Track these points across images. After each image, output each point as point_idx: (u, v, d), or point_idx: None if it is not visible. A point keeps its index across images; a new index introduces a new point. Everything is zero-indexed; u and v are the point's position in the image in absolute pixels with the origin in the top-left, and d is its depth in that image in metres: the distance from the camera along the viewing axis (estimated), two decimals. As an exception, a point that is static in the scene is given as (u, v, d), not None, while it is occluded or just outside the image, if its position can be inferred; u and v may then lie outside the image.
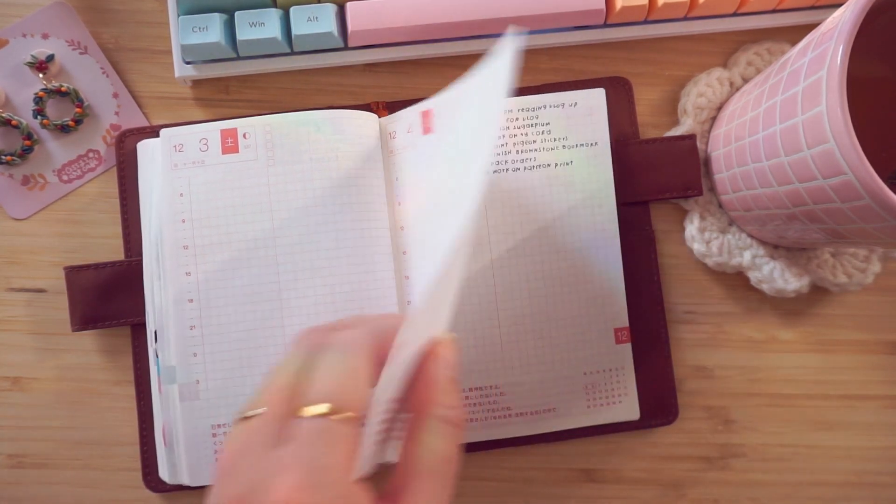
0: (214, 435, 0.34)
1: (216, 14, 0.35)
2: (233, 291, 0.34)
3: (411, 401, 0.25)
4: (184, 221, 0.34)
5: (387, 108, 0.38)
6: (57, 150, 0.38)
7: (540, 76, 0.39)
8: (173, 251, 0.34)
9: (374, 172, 0.36)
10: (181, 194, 0.34)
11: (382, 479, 0.24)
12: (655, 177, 0.38)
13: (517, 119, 0.37)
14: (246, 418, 0.24)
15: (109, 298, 0.36)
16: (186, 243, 0.34)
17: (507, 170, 0.36)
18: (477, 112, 0.30)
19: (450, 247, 0.24)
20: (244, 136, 0.35)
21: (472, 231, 0.26)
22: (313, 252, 0.34)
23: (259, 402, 0.24)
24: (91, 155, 0.38)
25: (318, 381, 0.24)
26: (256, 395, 0.24)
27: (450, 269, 0.25)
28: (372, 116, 0.36)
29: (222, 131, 0.35)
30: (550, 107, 0.37)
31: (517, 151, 0.37)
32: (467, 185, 0.26)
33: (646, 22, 0.38)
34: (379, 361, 0.25)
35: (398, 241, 0.36)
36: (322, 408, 0.23)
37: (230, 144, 0.35)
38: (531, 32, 0.38)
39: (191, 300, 0.34)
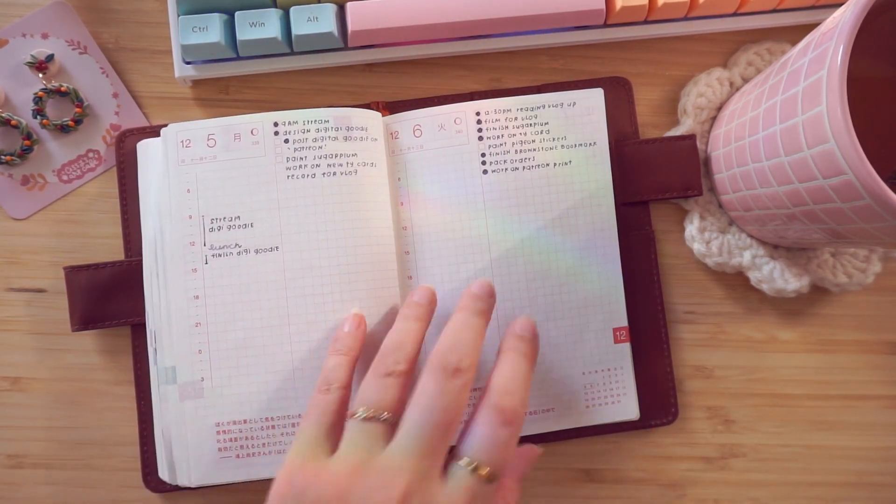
0: (219, 433, 0.34)
1: (216, 14, 0.35)
2: (238, 288, 0.34)
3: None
4: (190, 217, 0.34)
5: (387, 108, 0.38)
6: (57, 150, 0.38)
7: (540, 76, 0.39)
8: (179, 248, 0.34)
9: (378, 172, 0.36)
10: (188, 190, 0.34)
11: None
12: (655, 177, 0.38)
13: (516, 119, 0.37)
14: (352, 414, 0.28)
15: (109, 298, 0.36)
16: (193, 240, 0.34)
17: (507, 170, 0.36)
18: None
19: None
20: (252, 131, 0.35)
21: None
22: (318, 249, 0.34)
23: (425, 434, 0.27)
24: (91, 155, 0.38)
25: (482, 443, 0.28)
26: (429, 418, 0.27)
27: None
28: (377, 115, 0.36)
29: (230, 127, 0.35)
30: (549, 106, 0.37)
31: (516, 151, 0.37)
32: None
33: (646, 22, 0.38)
34: None
35: (401, 241, 0.36)
36: (484, 470, 0.27)
37: (238, 140, 0.35)
38: (531, 32, 0.38)
39: (196, 297, 0.34)
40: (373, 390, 0.29)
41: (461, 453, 0.28)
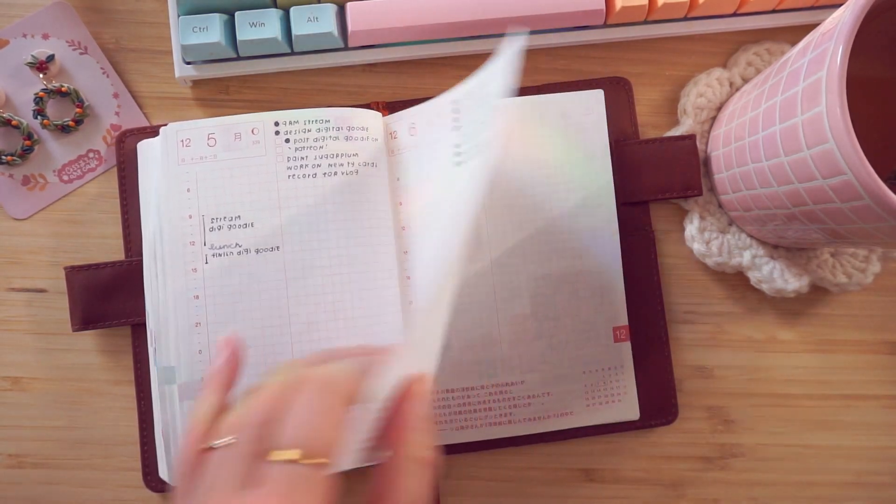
0: None
1: (216, 14, 0.35)
2: (239, 288, 0.34)
3: (388, 438, 0.25)
4: (190, 217, 0.34)
5: (387, 107, 0.38)
6: (57, 150, 0.38)
7: (540, 76, 0.39)
8: (178, 247, 0.34)
9: (378, 172, 0.36)
10: (188, 189, 0.34)
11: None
12: (655, 177, 0.38)
13: (517, 120, 0.37)
14: (209, 448, 0.23)
15: (109, 298, 0.36)
16: (193, 239, 0.34)
17: (507, 170, 0.36)
18: (481, 114, 0.30)
19: (436, 291, 0.23)
20: (252, 131, 0.35)
21: (455, 279, 0.26)
22: (319, 249, 0.34)
23: (227, 430, 0.23)
24: (91, 155, 0.38)
25: (291, 422, 0.23)
26: (225, 423, 0.24)
27: (436, 306, 0.24)
28: (377, 115, 0.36)
29: (230, 126, 0.35)
30: (550, 107, 0.37)
31: (516, 151, 0.37)
32: (465, 194, 0.26)
33: (646, 22, 0.38)
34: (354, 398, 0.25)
35: (400, 241, 0.36)
36: (293, 453, 0.22)
37: (238, 139, 0.35)
38: (531, 32, 0.38)
39: (196, 297, 0.34)
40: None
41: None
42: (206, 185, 0.34)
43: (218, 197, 0.34)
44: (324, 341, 0.34)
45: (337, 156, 0.35)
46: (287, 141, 0.35)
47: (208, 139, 0.35)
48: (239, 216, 0.34)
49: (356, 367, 0.26)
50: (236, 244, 0.34)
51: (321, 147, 0.35)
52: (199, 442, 0.24)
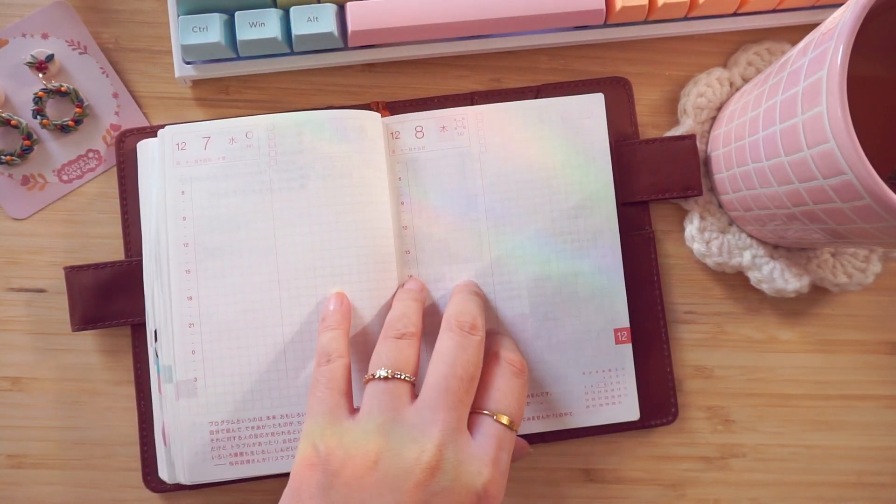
0: (212, 433, 0.34)
1: (216, 14, 0.35)
2: (232, 290, 0.34)
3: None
4: (184, 219, 0.34)
5: (387, 107, 0.38)
6: (57, 150, 0.38)
7: (540, 76, 0.39)
8: (173, 249, 0.34)
9: (377, 172, 0.36)
10: (182, 192, 0.34)
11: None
12: (655, 177, 0.38)
13: (518, 121, 0.37)
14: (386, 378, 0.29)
15: (109, 298, 0.36)
16: (187, 241, 0.34)
17: (507, 172, 0.36)
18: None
19: None
20: (247, 134, 0.35)
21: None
22: (313, 251, 0.34)
23: (452, 387, 0.28)
24: (91, 155, 0.38)
25: (499, 392, 0.30)
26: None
27: None
28: (375, 116, 0.36)
29: (225, 130, 0.35)
30: (550, 110, 0.37)
31: (517, 153, 0.37)
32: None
33: (646, 22, 0.38)
34: None
35: (401, 240, 0.36)
36: (507, 419, 0.29)
37: (233, 143, 0.35)
38: (531, 32, 0.38)
39: (190, 297, 0.34)
40: (387, 352, 0.30)
41: (482, 407, 0.30)
42: (201, 188, 0.34)
43: (212, 199, 0.34)
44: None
45: (331, 158, 0.35)
46: (281, 144, 0.35)
47: (203, 142, 0.35)
48: (233, 218, 0.34)
49: (514, 340, 0.34)
50: (230, 246, 0.34)
51: (315, 149, 0.35)
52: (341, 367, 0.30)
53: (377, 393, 0.29)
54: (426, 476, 0.26)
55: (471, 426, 0.29)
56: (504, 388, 0.30)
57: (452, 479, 0.27)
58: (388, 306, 0.35)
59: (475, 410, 0.29)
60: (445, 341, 0.30)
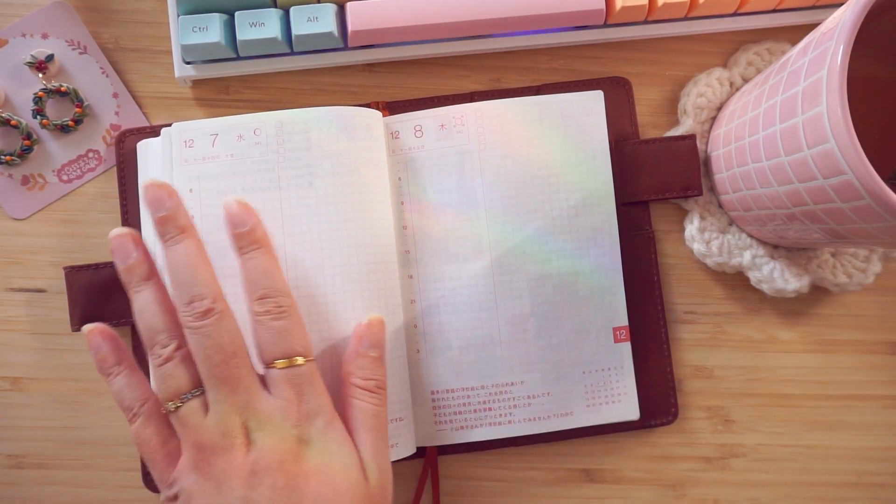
0: None
1: (216, 14, 0.35)
2: (238, 288, 0.34)
3: (343, 373, 0.32)
4: (193, 217, 0.34)
5: (387, 107, 0.38)
6: (57, 150, 0.38)
7: (540, 76, 0.39)
8: None
9: (379, 171, 0.36)
10: (190, 190, 0.34)
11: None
12: (655, 177, 0.38)
13: (517, 119, 0.37)
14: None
15: (109, 298, 0.36)
16: None
17: (507, 170, 0.36)
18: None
19: None
20: (255, 131, 0.35)
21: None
22: (320, 249, 0.34)
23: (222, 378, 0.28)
24: (91, 155, 0.38)
25: (267, 345, 0.30)
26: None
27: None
28: (378, 115, 0.36)
29: (233, 127, 0.35)
30: (550, 108, 0.37)
31: (516, 151, 0.37)
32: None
33: (646, 22, 0.38)
34: None
35: (402, 240, 0.36)
36: (283, 362, 0.29)
37: (241, 140, 0.35)
38: (531, 32, 0.38)
39: None
40: (160, 383, 0.29)
41: (263, 362, 0.30)
42: (208, 186, 0.34)
43: (220, 197, 0.34)
44: (322, 341, 0.34)
45: (340, 155, 0.35)
46: (289, 141, 0.35)
47: (211, 140, 0.35)
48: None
49: (266, 268, 0.31)
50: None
51: (322, 147, 0.35)
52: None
53: (178, 425, 0.29)
54: (249, 471, 0.27)
55: (266, 386, 0.29)
56: (267, 336, 0.29)
57: (264, 450, 0.28)
58: (387, 307, 0.34)
59: (267, 367, 0.29)
60: (190, 337, 0.29)
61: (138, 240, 0.31)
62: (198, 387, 0.29)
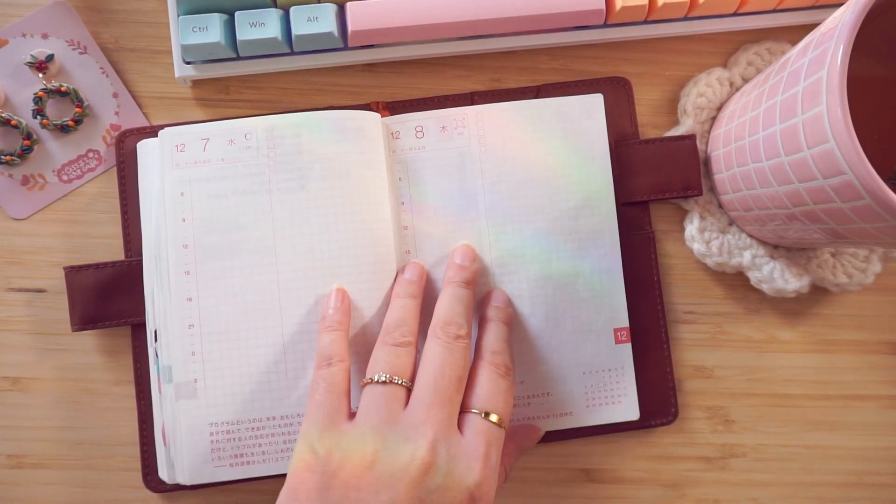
0: (212, 434, 0.34)
1: (216, 14, 0.35)
2: (232, 291, 0.34)
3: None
4: (184, 220, 0.34)
5: (387, 107, 0.38)
6: (57, 150, 0.38)
7: (540, 76, 0.39)
8: (172, 250, 0.34)
9: (376, 173, 0.36)
10: (182, 193, 0.34)
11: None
12: (655, 177, 0.38)
13: (518, 121, 0.37)
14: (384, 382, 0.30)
15: (109, 298, 0.36)
16: (186, 242, 0.34)
17: (507, 172, 0.36)
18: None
19: None
20: (245, 136, 0.35)
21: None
22: (313, 252, 0.34)
23: (441, 387, 0.29)
24: (91, 155, 0.38)
25: (486, 391, 0.31)
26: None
27: None
28: (375, 116, 0.36)
29: (224, 131, 0.35)
30: (550, 110, 0.37)
31: (517, 153, 0.37)
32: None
33: (646, 22, 0.38)
34: None
35: (402, 240, 0.36)
36: (496, 417, 0.30)
37: (232, 144, 0.35)
38: (531, 32, 0.38)
39: (189, 299, 0.34)
40: (385, 358, 0.31)
41: (470, 406, 0.30)
42: (200, 189, 0.34)
43: (211, 201, 0.34)
44: (313, 342, 0.34)
45: (331, 158, 0.35)
46: (280, 145, 0.35)
47: (202, 143, 0.35)
48: (232, 219, 0.34)
49: (505, 330, 0.34)
50: (229, 247, 0.34)
51: (314, 150, 0.35)
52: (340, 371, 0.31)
53: (374, 396, 0.29)
54: (420, 474, 0.27)
55: (460, 425, 0.30)
56: (491, 388, 0.31)
57: (445, 476, 0.27)
58: (388, 300, 0.35)
59: (464, 410, 0.30)
60: (433, 347, 0.31)
61: (424, 273, 0.35)
62: (411, 382, 0.30)
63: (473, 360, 0.32)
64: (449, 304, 0.33)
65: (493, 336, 0.33)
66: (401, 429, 0.28)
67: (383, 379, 0.30)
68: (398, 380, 0.30)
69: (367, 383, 0.30)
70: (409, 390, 0.30)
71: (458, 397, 0.30)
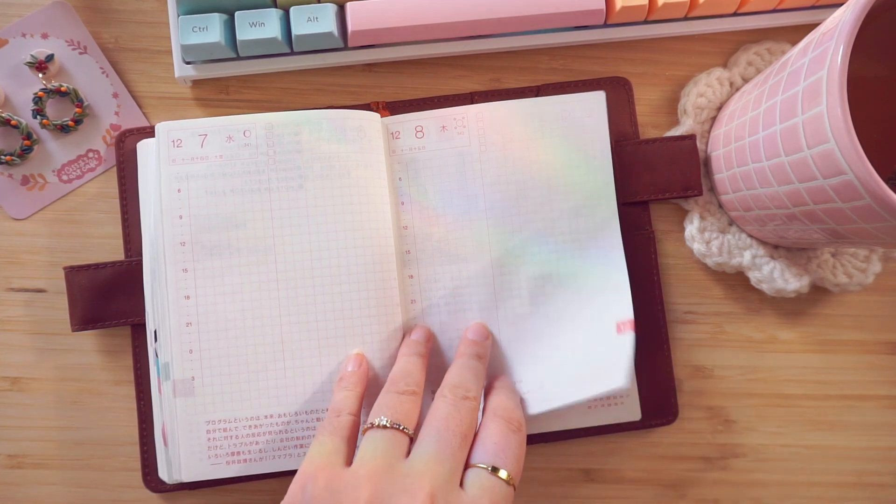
0: (209, 431, 0.34)
1: (216, 14, 0.35)
2: (231, 289, 0.34)
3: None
4: (181, 217, 0.34)
5: (387, 107, 0.38)
6: (57, 150, 0.38)
7: (540, 76, 0.39)
8: (170, 247, 0.34)
9: (376, 172, 0.36)
10: (178, 190, 0.34)
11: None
12: (655, 177, 0.38)
13: (518, 120, 0.37)
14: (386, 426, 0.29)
15: (109, 298, 0.36)
16: (184, 240, 0.34)
17: (508, 172, 0.36)
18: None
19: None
20: (244, 133, 0.35)
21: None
22: (311, 251, 0.34)
23: (444, 440, 0.28)
24: (91, 155, 0.38)
25: (493, 447, 0.29)
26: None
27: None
28: (374, 116, 0.36)
29: (222, 128, 0.35)
30: (551, 109, 0.37)
31: (517, 152, 0.37)
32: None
33: (646, 22, 0.38)
34: None
35: (402, 240, 0.36)
36: (505, 474, 0.28)
37: (230, 141, 0.35)
38: (531, 32, 0.38)
39: (187, 297, 0.34)
40: (389, 404, 0.30)
41: (477, 461, 0.28)
42: (197, 186, 0.34)
43: (209, 198, 0.34)
44: (317, 346, 0.34)
45: (329, 158, 0.35)
46: (279, 143, 0.35)
47: (200, 140, 0.35)
48: (230, 217, 0.34)
49: (516, 394, 0.33)
50: (227, 245, 0.34)
51: (313, 149, 0.35)
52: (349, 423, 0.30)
53: (374, 440, 0.28)
54: None
55: (465, 482, 0.28)
56: (501, 443, 0.29)
57: None
58: (386, 308, 0.35)
59: (470, 465, 0.28)
60: (439, 405, 0.30)
61: (431, 335, 0.36)
62: (413, 431, 0.29)
63: (482, 418, 0.31)
64: (459, 372, 0.32)
65: (504, 395, 0.32)
66: (397, 478, 0.26)
67: (385, 423, 0.29)
68: (401, 426, 0.29)
69: (369, 428, 0.29)
70: (411, 440, 0.29)
71: (462, 455, 0.28)
